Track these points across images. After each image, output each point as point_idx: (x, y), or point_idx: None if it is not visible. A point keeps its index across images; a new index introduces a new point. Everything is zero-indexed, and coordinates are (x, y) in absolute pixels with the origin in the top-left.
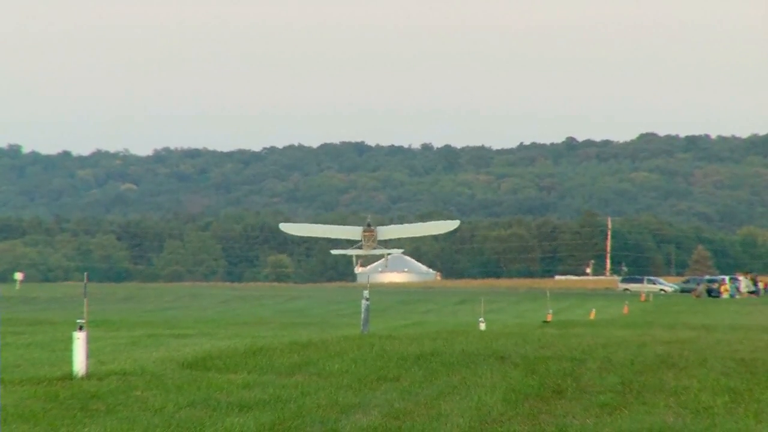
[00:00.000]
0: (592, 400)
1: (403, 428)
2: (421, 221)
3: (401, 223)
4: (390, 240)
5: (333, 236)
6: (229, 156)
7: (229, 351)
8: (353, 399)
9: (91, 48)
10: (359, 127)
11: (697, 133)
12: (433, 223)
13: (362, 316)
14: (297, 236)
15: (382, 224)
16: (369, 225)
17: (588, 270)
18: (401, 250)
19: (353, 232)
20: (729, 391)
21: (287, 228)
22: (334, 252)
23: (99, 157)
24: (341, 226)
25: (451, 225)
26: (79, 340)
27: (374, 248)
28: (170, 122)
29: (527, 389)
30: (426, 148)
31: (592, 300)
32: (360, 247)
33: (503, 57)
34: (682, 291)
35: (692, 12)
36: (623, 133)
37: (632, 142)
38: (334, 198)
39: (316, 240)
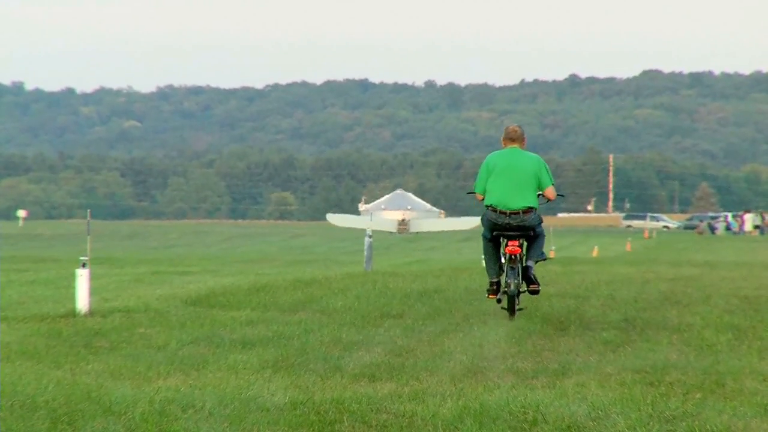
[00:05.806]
0: (595, 337)
1: (406, 365)
2: (425, 159)
3: (407, 162)
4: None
5: (374, 228)
6: (233, 93)
7: (233, 288)
8: (356, 336)
9: None
10: (363, 65)
11: (700, 69)
12: (460, 218)
13: (365, 253)
14: (342, 227)
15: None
16: (404, 220)
17: (589, 207)
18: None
19: (390, 225)
20: (732, 328)
21: (333, 219)
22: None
23: (103, 94)
24: (381, 220)
25: (476, 222)
26: (83, 277)
27: (406, 234)
28: (174, 59)
29: (530, 326)
30: (429, 85)
31: (595, 237)
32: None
33: None
34: (686, 228)
35: None
36: (627, 69)
37: (636, 78)
38: (338, 135)
39: (320, 177)
